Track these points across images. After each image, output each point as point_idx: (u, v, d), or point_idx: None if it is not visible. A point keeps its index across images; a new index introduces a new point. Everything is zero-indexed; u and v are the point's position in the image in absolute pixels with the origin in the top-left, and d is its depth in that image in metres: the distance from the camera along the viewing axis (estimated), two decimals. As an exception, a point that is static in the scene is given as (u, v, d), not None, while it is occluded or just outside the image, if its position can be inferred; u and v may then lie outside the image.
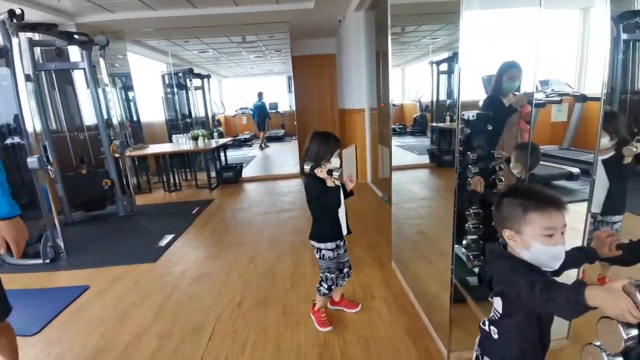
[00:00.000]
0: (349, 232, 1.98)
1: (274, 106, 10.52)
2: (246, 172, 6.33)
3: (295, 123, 6.59)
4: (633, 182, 2.09)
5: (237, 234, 3.60)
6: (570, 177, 2.06)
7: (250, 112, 9.87)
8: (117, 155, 4.25)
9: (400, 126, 3.54)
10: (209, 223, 3.97)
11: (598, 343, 0.77)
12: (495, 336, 1.01)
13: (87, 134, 4.69)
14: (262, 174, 6.31)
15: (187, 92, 7.31)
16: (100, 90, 4.11)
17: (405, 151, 2.76)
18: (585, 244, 1.56)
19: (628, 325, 0.70)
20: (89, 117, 4.61)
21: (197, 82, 7.65)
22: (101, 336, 2.04)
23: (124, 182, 4.42)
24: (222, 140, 6.30)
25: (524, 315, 0.94)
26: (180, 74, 7.09)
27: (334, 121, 7.36)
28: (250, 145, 10.11)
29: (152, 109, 6.82)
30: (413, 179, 2.56)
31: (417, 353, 1.75)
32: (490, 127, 2.09)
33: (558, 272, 0.97)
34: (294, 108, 7.20)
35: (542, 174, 3.31)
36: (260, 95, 9.46)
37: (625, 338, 0.76)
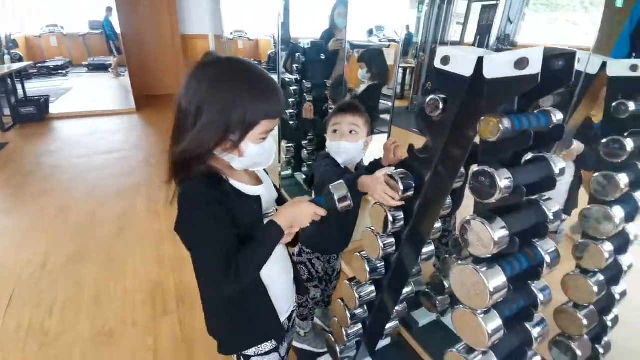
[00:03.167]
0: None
1: (97, 26, 8.24)
2: (58, 108, 4.92)
3: (121, 50, 5.35)
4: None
5: (42, 182, 2.83)
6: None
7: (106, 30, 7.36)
8: None
9: (257, 62, 3.35)
10: (0, 173, 2.97)
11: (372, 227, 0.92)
12: None
13: None
14: (82, 110, 5.03)
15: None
16: None
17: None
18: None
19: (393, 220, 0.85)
20: None
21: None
22: None
23: None
24: (16, 66, 4.63)
25: None
26: None
27: (176, 50, 6.35)
28: (65, 75, 7.82)
29: None
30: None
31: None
32: (323, 56, 2.18)
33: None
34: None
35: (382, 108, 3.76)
36: (109, 10, 7.17)
37: (383, 246, 0.92)
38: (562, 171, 0.65)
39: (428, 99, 0.73)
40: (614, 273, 0.97)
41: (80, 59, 7.78)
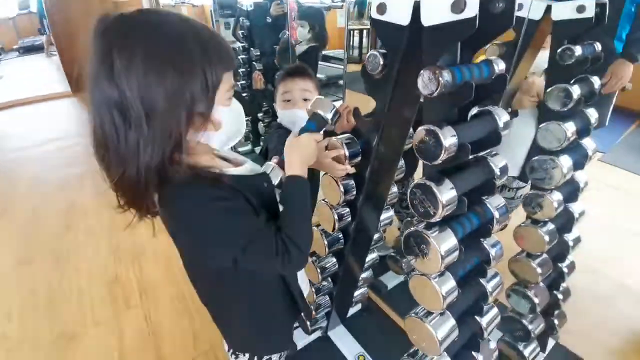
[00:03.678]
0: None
1: (26, 5, 7.26)
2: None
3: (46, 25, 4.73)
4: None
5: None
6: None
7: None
8: None
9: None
10: None
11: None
12: None
13: None
14: (11, 99, 4.50)
15: None
16: None
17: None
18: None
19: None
20: None
21: None
22: None
23: None
24: None
25: None
26: None
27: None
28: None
29: None
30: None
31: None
32: (269, 19, 2.02)
33: None
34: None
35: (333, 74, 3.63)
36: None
37: (337, 217, 0.88)
38: (507, 124, 0.62)
39: (367, 55, 0.67)
40: (565, 221, 1.00)
41: (11, 43, 7.04)
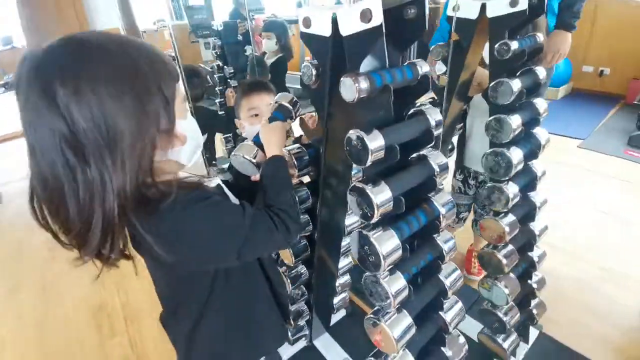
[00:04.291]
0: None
1: (8, 40, 7.31)
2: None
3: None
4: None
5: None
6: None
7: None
8: None
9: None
10: None
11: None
12: None
13: None
14: None
15: None
16: None
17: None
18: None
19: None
20: None
21: None
22: None
23: None
24: None
25: None
26: None
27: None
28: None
29: None
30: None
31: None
32: (240, 37, 2.06)
33: None
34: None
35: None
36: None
37: None
38: (439, 123, 0.64)
39: (302, 67, 0.69)
40: (527, 211, 1.01)
41: None
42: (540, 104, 0.93)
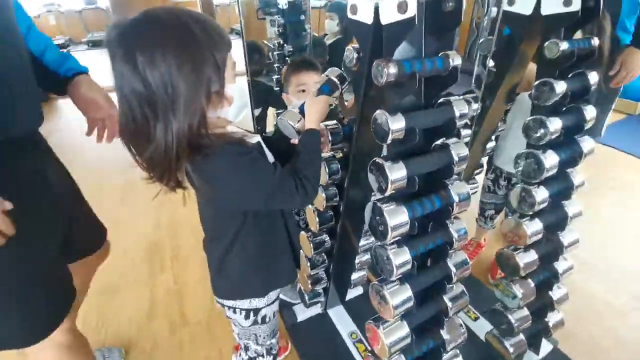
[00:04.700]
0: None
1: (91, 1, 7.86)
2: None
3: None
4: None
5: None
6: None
7: None
8: None
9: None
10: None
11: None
12: None
13: None
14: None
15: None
16: None
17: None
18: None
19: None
20: None
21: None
22: None
23: None
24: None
25: None
26: None
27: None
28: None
29: None
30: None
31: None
32: (303, 17, 2.14)
33: None
34: None
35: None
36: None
37: (325, 197, 0.95)
38: (464, 115, 0.68)
39: (346, 50, 0.76)
40: (556, 219, 0.99)
41: (79, 36, 7.68)
42: (589, 110, 0.90)
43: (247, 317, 0.89)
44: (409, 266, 0.73)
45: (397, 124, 0.63)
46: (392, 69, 0.60)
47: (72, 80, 0.91)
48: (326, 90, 0.85)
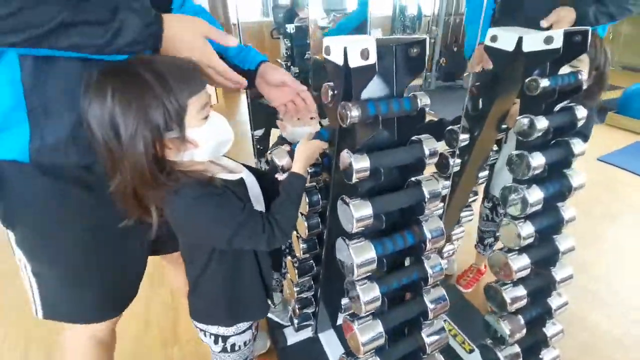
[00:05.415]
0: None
1: None
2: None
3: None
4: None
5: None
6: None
7: None
8: None
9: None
10: None
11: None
12: None
13: None
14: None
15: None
16: None
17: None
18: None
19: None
20: None
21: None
22: None
23: None
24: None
25: None
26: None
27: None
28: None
29: None
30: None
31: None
32: (309, 41, 2.20)
33: None
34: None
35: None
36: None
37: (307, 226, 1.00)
38: (434, 154, 0.68)
39: (322, 88, 0.78)
40: (547, 254, 0.96)
41: None
42: (577, 144, 0.88)
43: (215, 342, 0.89)
44: (378, 302, 0.73)
45: (360, 164, 0.64)
46: (355, 112, 0.61)
47: (257, 72, 0.88)
48: (324, 136, 0.83)
